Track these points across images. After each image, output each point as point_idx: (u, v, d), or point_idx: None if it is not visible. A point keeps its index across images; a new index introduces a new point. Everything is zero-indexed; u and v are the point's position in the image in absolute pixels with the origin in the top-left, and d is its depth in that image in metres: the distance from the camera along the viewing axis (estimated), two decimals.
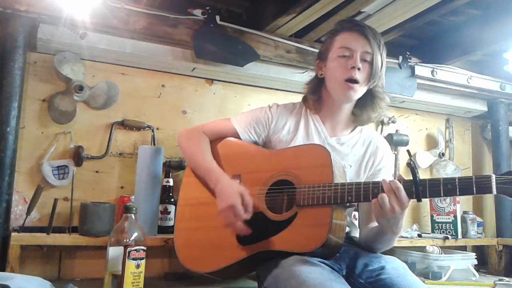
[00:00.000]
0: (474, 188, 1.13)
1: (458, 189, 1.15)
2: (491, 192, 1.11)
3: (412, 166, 1.19)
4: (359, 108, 1.52)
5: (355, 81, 1.41)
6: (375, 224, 1.40)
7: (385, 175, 1.49)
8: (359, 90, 1.44)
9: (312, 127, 1.52)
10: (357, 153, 1.51)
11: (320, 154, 1.34)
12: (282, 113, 1.57)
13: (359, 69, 1.41)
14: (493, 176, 1.11)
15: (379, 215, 1.23)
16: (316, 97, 1.53)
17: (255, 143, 1.59)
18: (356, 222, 1.56)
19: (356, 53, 1.42)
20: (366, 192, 1.24)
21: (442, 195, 1.17)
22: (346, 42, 1.44)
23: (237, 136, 1.58)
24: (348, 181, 1.38)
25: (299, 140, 1.51)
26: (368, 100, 1.50)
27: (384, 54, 1.46)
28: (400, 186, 1.18)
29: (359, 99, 1.49)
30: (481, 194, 1.15)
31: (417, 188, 1.17)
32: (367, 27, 1.45)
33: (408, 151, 1.28)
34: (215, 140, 1.60)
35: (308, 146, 1.44)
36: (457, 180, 1.15)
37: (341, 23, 1.51)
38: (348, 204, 1.30)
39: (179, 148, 1.65)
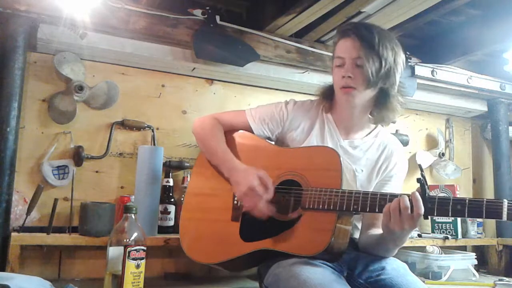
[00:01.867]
0: (484, 212, 1.09)
1: (467, 211, 1.11)
2: (501, 218, 1.07)
3: (422, 182, 1.15)
4: (375, 109, 1.47)
5: (351, 87, 1.39)
6: (377, 231, 1.40)
7: (395, 183, 1.46)
8: (358, 95, 1.40)
9: (326, 129, 1.50)
10: (370, 157, 1.48)
11: (330, 157, 1.32)
12: (298, 111, 1.54)
13: (350, 77, 1.38)
14: (505, 202, 1.08)
15: (386, 226, 1.21)
16: (328, 100, 1.51)
17: (268, 138, 1.58)
18: (360, 225, 1.55)
19: (347, 61, 1.39)
20: (372, 203, 1.22)
21: (450, 215, 1.13)
22: (339, 50, 1.42)
23: (250, 130, 1.56)
24: (357, 187, 1.36)
25: (313, 140, 1.48)
26: (381, 99, 1.45)
27: (389, 52, 1.38)
28: (422, 211, 1.13)
29: (376, 100, 1.45)
30: (490, 218, 1.12)
31: (426, 206, 1.14)
32: (363, 27, 1.40)
33: (420, 165, 1.22)
34: (227, 132, 1.59)
35: (319, 148, 1.42)
36: (467, 201, 1.11)
37: (338, 29, 1.47)
38: (354, 212, 1.28)
39: (194, 136, 1.64)
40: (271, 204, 1.34)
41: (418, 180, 1.16)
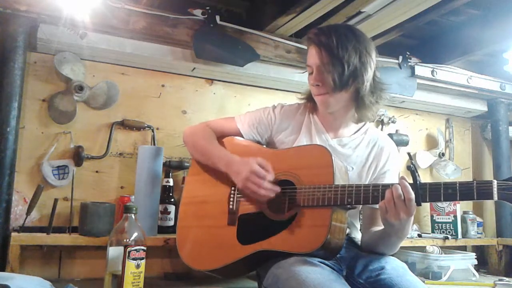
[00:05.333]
0: (475, 194, 1.12)
1: (458, 194, 1.14)
2: (492, 198, 1.10)
3: (412, 169, 1.17)
4: (355, 108, 1.47)
5: (322, 94, 1.41)
6: (377, 228, 1.40)
7: (390, 178, 1.46)
8: (331, 99, 1.41)
9: (314, 129, 1.51)
10: (360, 154, 1.48)
11: (321, 154, 1.34)
12: (286, 114, 1.56)
13: (318, 85, 1.40)
14: (495, 182, 1.10)
15: (384, 219, 1.23)
16: (313, 101, 1.51)
17: (258, 142, 1.59)
18: (358, 224, 1.55)
19: (314, 69, 1.41)
20: (366, 195, 1.24)
21: (442, 199, 1.16)
22: (308, 59, 1.44)
23: (240, 135, 1.58)
24: (349, 183, 1.37)
25: (302, 141, 1.49)
26: (355, 99, 1.44)
27: (351, 54, 1.36)
28: (413, 196, 1.15)
29: (353, 100, 1.45)
30: (481, 199, 1.14)
31: (417, 192, 1.16)
32: (322, 33, 1.38)
33: (408, 153, 1.27)
34: (218, 138, 1.60)
35: (309, 147, 1.43)
36: (457, 184, 1.14)
37: (305, 37, 1.47)
38: (349, 206, 1.29)
39: (185, 144, 1.66)
40: (274, 184, 1.35)
41: (408, 167, 1.18)
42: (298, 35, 2.16)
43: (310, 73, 1.44)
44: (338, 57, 1.35)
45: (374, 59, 1.42)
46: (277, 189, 1.35)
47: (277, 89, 2.31)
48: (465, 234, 2.42)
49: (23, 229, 1.65)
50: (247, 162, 1.38)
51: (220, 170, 1.48)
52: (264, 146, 1.59)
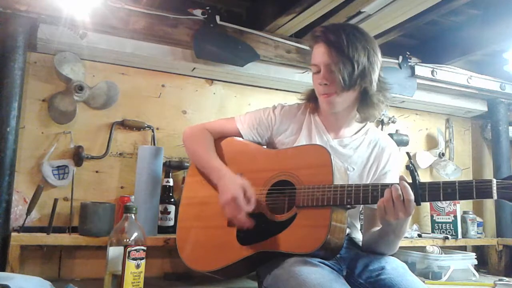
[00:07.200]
0: (474, 193, 1.12)
1: (457, 194, 1.14)
2: (491, 197, 1.10)
3: (411, 169, 1.17)
4: (360, 108, 1.47)
5: (329, 93, 1.40)
6: (377, 228, 1.40)
7: (391, 179, 1.45)
8: (338, 99, 1.40)
9: (314, 130, 1.50)
10: (361, 155, 1.47)
11: (320, 154, 1.33)
12: (286, 115, 1.55)
13: (326, 84, 1.38)
14: (494, 181, 1.10)
15: (382, 218, 1.23)
16: (314, 101, 1.51)
17: (258, 143, 1.58)
18: (358, 224, 1.55)
19: (322, 68, 1.39)
20: (365, 195, 1.24)
21: (441, 199, 1.16)
22: (313, 58, 1.42)
23: (240, 136, 1.57)
24: (349, 183, 1.37)
25: (302, 141, 1.49)
26: (363, 99, 1.44)
27: (360, 53, 1.35)
28: (412, 197, 1.15)
29: (359, 100, 1.44)
30: (481, 198, 1.13)
31: (417, 192, 1.16)
32: (331, 31, 1.38)
33: (408, 153, 1.26)
34: (218, 138, 1.60)
35: (308, 147, 1.43)
36: (457, 184, 1.14)
37: (310, 35, 1.46)
38: (349, 206, 1.29)
39: (184, 145, 1.65)
40: (250, 218, 1.35)
41: (407, 167, 1.18)
42: (298, 35, 2.16)
43: (316, 72, 1.41)
44: (348, 56, 1.34)
45: (380, 59, 1.42)
46: (251, 223, 1.35)
47: (277, 89, 2.31)
48: (465, 234, 2.42)
49: (23, 229, 1.65)
50: (233, 185, 1.37)
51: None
52: (264, 146, 1.59)
